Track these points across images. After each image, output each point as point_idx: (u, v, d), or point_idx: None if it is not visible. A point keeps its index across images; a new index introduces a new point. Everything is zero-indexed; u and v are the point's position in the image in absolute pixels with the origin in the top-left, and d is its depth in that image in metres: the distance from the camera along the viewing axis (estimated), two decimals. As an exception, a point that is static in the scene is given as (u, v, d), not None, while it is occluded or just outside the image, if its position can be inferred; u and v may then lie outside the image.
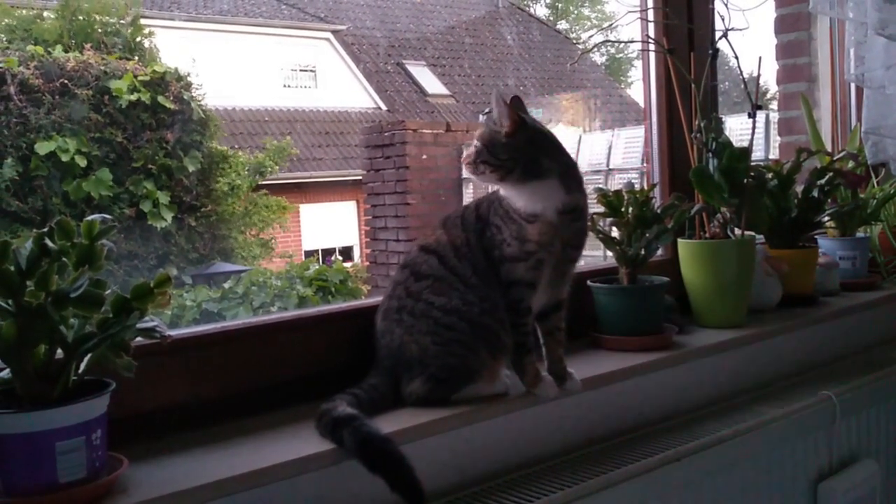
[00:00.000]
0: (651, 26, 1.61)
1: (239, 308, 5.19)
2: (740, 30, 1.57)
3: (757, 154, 2.55)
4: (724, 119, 1.63)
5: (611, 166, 5.62)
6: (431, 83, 14.10)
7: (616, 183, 5.56)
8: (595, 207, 1.39)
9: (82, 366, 0.86)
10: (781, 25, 2.44)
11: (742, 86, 1.61)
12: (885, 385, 1.59)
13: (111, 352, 0.86)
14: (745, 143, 1.55)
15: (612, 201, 1.40)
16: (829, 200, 1.86)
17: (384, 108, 13.43)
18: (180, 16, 11.83)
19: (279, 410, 1.10)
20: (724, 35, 1.59)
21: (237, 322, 1.15)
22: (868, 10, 1.52)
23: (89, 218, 0.84)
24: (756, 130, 1.62)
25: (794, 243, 1.73)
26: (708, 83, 1.58)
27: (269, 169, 7.47)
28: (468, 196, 6.43)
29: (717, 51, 1.59)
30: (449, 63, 14.75)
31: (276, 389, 1.13)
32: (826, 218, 1.79)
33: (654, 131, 1.67)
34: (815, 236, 1.94)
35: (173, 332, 0.97)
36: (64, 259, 0.83)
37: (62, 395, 0.84)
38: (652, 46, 1.61)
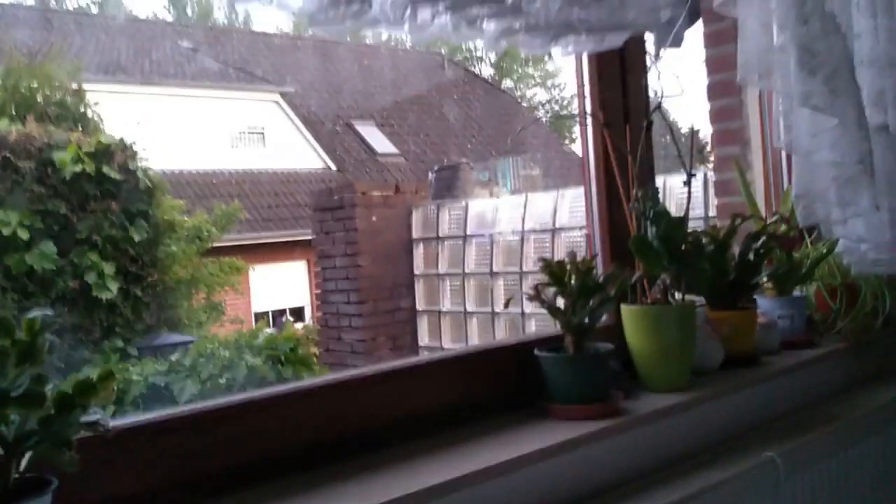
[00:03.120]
0: (588, 100, 1.67)
1: (186, 381, 5.10)
2: (673, 96, 1.63)
3: (698, 212, 2.63)
4: (663, 181, 1.68)
5: (557, 225, 5.71)
6: (381, 143, 14.24)
7: (563, 241, 5.64)
8: (539, 277, 1.42)
9: (23, 463, 0.85)
10: (713, 91, 2.54)
11: (677, 154, 1.67)
12: (828, 442, 1.63)
13: (53, 449, 0.85)
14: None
15: (555, 271, 1.44)
16: (766, 262, 1.93)
17: (334, 168, 13.50)
18: (127, 80, 11.81)
19: (241, 493, 1.09)
20: (658, 107, 1.66)
21: (185, 408, 1.14)
22: (792, 83, 1.60)
23: (31, 315, 0.84)
24: (695, 192, 1.69)
25: (733, 305, 1.78)
26: (644, 154, 1.63)
27: (211, 234, 7.43)
28: (419, 257, 6.46)
29: (651, 122, 1.66)
30: (397, 123, 14.94)
31: (231, 475, 1.12)
32: (763, 279, 1.85)
33: (594, 201, 1.72)
34: (755, 297, 2.01)
35: (117, 421, 0.97)
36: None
37: (1, 496, 0.82)
38: (589, 120, 1.66)
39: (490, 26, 1.44)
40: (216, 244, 7.73)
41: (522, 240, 5.91)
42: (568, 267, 1.43)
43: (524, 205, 6.02)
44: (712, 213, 2.66)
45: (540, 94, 25.60)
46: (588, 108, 1.66)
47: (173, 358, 5.47)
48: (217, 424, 1.12)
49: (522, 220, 5.93)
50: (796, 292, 2.02)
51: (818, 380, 1.94)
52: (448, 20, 1.35)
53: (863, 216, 1.76)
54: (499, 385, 1.48)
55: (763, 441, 1.60)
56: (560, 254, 4.82)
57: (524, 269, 5.87)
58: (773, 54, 1.63)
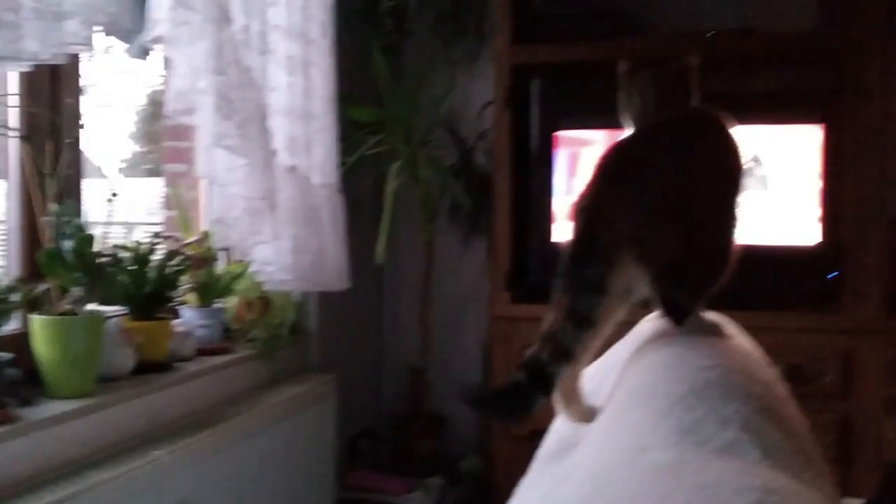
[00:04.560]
0: (10, 111, 1.68)
1: None
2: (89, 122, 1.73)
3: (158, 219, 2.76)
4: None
5: None
6: None
7: None
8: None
9: None
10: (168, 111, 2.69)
11: (103, 176, 1.78)
12: (214, 442, 1.87)
13: None
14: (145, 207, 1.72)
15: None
16: (190, 275, 2.14)
17: None
18: None
19: None
20: (82, 127, 1.75)
21: None
22: (210, 124, 1.82)
23: None
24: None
25: (151, 315, 1.94)
26: (67, 169, 1.70)
27: None
28: None
29: (76, 139, 1.74)
30: None
31: None
32: (181, 292, 2.05)
33: (13, 212, 1.73)
34: (179, 307, 2.20)
35: None
36: None
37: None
38: (11, 133, 1.68)
39: None
40: None
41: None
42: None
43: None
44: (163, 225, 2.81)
45: None
46: (12, 121, 1.68)
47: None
48: None
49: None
50: (217, 304, 2.27)
51: (229, 383, 2.19)
52: None
53: (268, 243, 2.06)
54: None
55: (161, 440, 1.77)
56: None
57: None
58: (197, 95, 1.83)
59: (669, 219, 0.96)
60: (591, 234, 0.95)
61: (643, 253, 0.95)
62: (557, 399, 1.01)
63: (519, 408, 0.91)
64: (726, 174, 1.02)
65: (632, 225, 0.94)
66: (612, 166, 1.01)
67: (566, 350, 0.92)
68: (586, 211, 0.97)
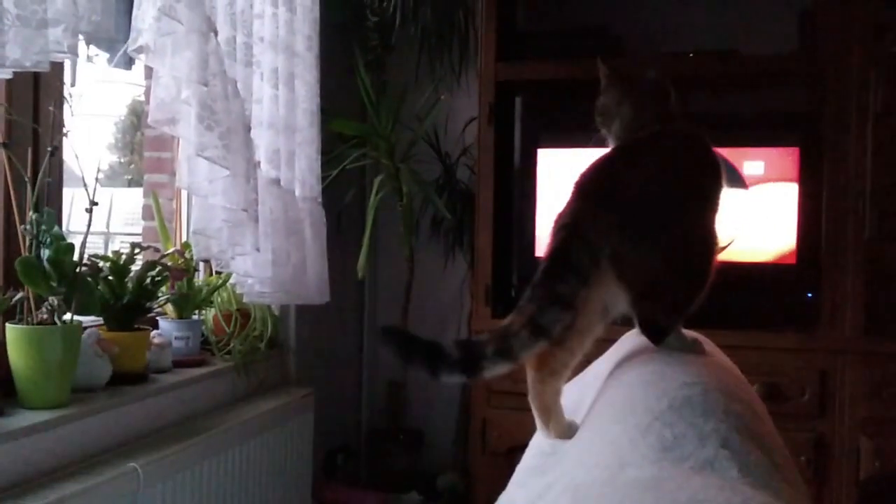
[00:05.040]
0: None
1: None
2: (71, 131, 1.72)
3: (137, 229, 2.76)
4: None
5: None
6: None
7: None
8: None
9: None
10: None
11: (83, 186, 1.76)
12: (190, 454, 1.85)
13: None
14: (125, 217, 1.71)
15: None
16: (170, 287, 2.12)
17: None
18: None
19: None
20: (64, 135, 1.73)
21: None
22: (191, 134, 1.81)
23: None
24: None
25: (129, 326, 1.93)
26: (46, 178, 1.68)
27: None
28: None
29: (56, 148, 1.72)
30: None
31: None
32: (160, 303, 2.04)
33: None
34: (157, 318, 2.18)
35: None
36: None
37: None
38: (-11, 138, 1.66)
39: None
40: None
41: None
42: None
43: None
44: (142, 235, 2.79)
45: None
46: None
47: None
48: None
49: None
50: (195, 316, 2.25)
51: (206, 395, 2.17)
52: None
53: (248, 255, 2.05)
54: None
55: (136, 452, 1.75)
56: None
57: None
58: (179, 105, 1.82)
59: (649, 238, 0.97)
60: (568, 251, 0.95)
61: (622, 272, 0.95)
62: (537, 414, 1.01)
63: (430, 368, 0.90)
64: (706, 193, 1.03)
65: (612, 244, 0.95)
66: (593, 184, 1.02)
67: (512, 353, 0.91)
68: (565, 228, 0.97)
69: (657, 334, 1.02)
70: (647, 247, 0.97)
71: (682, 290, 1.01)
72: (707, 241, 1.02)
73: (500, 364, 0.91)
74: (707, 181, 1.04)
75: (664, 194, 1.00)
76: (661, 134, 1.07)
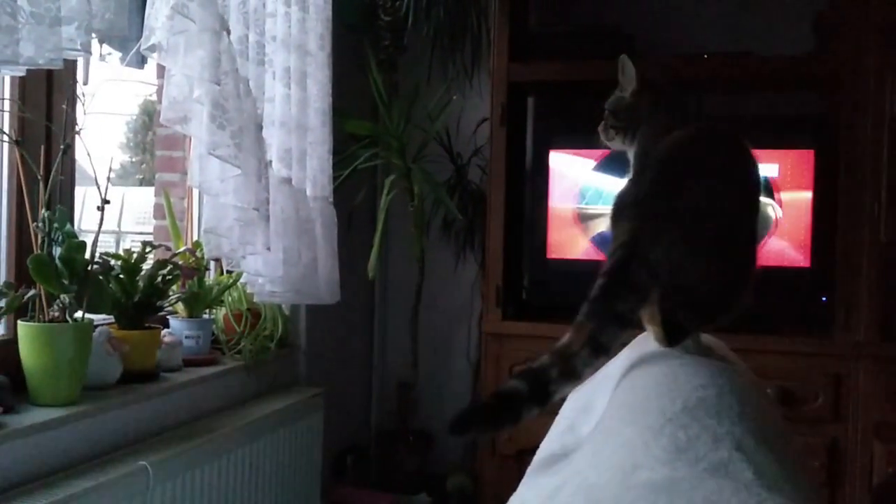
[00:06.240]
0: (4, 116, 1.67)
1: None
2: (84, 129, 1.72)
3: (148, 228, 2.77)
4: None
5: None
6: None
7: None
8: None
9: None
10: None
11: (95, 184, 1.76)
12: (199, 453, 1.84)
13: None
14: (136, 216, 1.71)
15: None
16: (180, 286, 2.13)
17: None
18: None
19: None
20: (77, 133, 1.74)
21: None
22: (204, 133, 1.81)
23: None
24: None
25: (140, 324, 1.93)
26: (59, 175, 1.69)
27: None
28: None
29: (69, 146, 1.72)
30: None
31: None
32: (171, 302, 2.04)
33: (3, 217, 1.72)
34: (167, 317, 2.18)
35: None
36: None
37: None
38: (4, 137, 1.67)
39: None
40: None
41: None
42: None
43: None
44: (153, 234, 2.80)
45: None
46: (5, 126, 1.67)
47: None
48: None
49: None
50: (206, 315, 2.25)
51: (216, 394, 2.17)
52: None
53: (259, 254, 2.05)
54: None
55: (146, 450, 1.75)
56: None
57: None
58: (192, 104, 1.82)
59: (705, 252, 0.97)
60: (627, 269, 0.95)
61: (672, 279, 0.95)
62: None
63: (509, 418, 0.90)
64: (753, 201, 1.03)
65: (672, 263, 0.94)
66: (652, 196, 1.00)
67: (576, 373, 0.92)
68: (625, 246, 0.96)
69: (676, 335, 1.02)
70: (703, 260, 0.97)
71: (719, 302, 1.01)
72: (751, 253, 1.02)
73: (567, 385, 0.92)
74: (754, 189, 1.04)
75: (727, 207, 1.00)
76: (713, 138, 1.06)
